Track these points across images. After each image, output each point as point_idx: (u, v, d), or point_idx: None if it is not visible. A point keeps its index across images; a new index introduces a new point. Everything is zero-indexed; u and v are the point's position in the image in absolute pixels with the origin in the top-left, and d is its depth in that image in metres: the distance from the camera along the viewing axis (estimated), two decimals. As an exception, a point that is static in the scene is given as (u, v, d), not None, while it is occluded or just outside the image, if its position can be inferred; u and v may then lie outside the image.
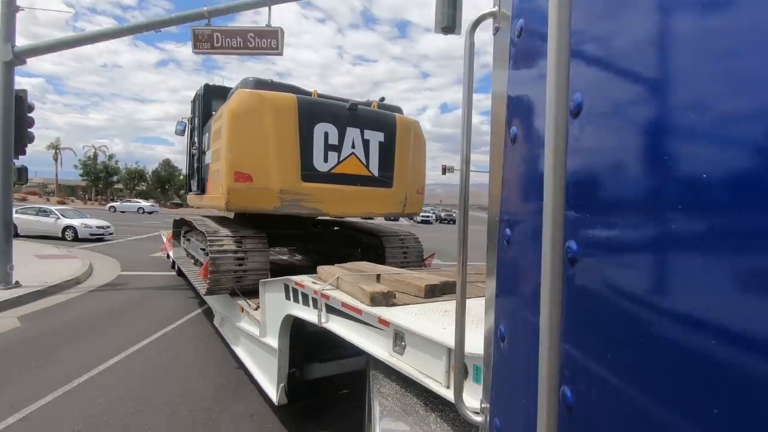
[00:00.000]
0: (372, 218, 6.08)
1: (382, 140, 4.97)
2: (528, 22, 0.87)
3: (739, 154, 0.43)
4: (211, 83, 6.71)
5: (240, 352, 4.28)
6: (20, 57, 7.26)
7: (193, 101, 6.94)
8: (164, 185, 67.87)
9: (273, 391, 3.33)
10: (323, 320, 2.71)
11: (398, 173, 5.25)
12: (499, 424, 0.98)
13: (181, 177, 71.86)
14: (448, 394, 1.78)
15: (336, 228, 6.80)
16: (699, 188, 0.46)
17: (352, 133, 4.78)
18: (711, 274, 0.44)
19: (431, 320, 2.17)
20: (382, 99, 5.53)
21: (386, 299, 2.48)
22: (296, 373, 3.40)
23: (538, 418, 0.67)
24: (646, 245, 0.54)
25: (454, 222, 39.85)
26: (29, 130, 7.78)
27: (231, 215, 6.26)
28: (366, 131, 4.93)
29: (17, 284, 7.42)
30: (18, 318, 6.09)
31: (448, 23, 8.18)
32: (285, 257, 7.58)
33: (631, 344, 0.55)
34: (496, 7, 1.04)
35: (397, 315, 2.26)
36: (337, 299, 2.62)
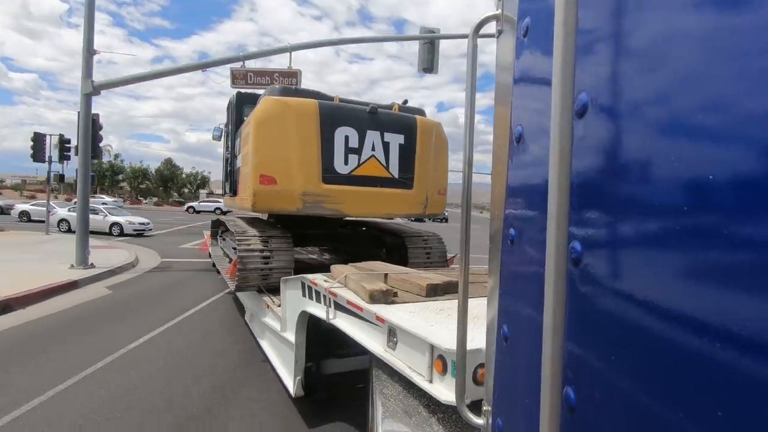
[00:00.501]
0: (392, 218, 6.48)
1: (403, 142, 5.08)
2: (534, 21, 0.87)
3: (746, 155, 0.42)
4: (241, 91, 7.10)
5: (265, 345, 4.62)
6: (97, 89, 9.40)
7: (227, 108, 7.31)
8: (167, 183, 69.80)
9: (290, 384, 3.52)
10: (331, 316, 2.86)
11: (419, 174, 5.33)
12: (501, 425, 0.97)
13: (183, 176, 74.02)
14: (430, 388, 1.88)
15: (363, 228, 7.00)
16: (705, 190, 0.45)
17: (372, 136, 4.90)
18: (717, 276, 0.44)
19: (424, 318, 2.27)
20: (405, 102, 5.73)
21: (385, 297, 2.59)
22: (312, 368, 3.54)
23: (540, 418, 0.67)
24: (651, 247, 0.53)
25: (446, 221, 41.82)
26: (99, 144, 9.92)
27: (265, 216, 6.72)
28: (386, 134, 5.05)
29: (92, 266, 9.56)
30: (106, 287, 8.27)
31: (428, 65, 10.44)
32: (315, 256, 7.95)
33: (634, 346, 0.54)
34: (499, 10, 1.04)
35: (393, 312, 2.36)
36: (343, 297, 2.74)
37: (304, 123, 4.61)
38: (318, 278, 3.24)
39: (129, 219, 18.07)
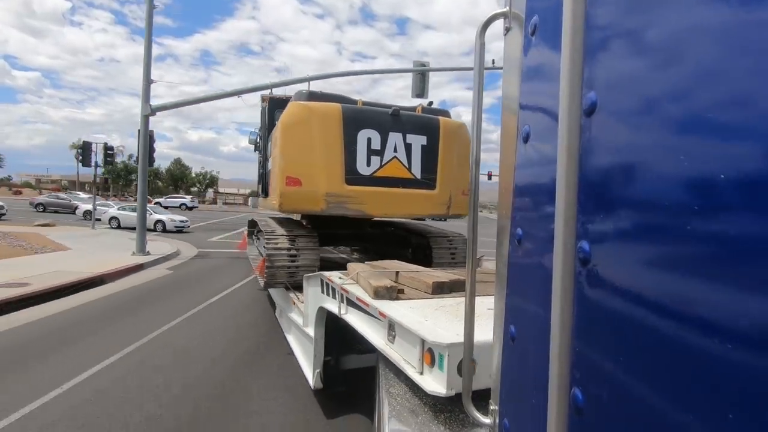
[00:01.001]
0: (422, 219, 6.63)
1: (425, 143, 5.13)
2: (542, 19, 0.86)
3: (762, 155, 0.41)
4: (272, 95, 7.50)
5: (290, 339, 4.84)
6: (153, 112, 11.69)
7: (261, 113, 7.59)
8: (177, 183, 72.43)
9: (310, 376, 3.66)
10: (343, 311, 2.96)
11: (442, 175, 5.34)
12: (508, 425, 0.97)
13: (193, 175, 76.68)
14: (419, 380, 1.99)
15: (391, 229, 7.11)
16: (716, 189, 0.45)
17: (394, 138, 4.98)
18: (727, 277, 0.43)
19: (421, 314, 2.38)
20: (430, 103, 5.87)
21: (389, 293, 2.69)
22: (331, 361, 3.63)
23: (547, 419, 0.66)
24: (660, 247, 0.52)
25: (444, 219, 43.72)
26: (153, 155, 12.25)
27: (297, 217, 6.90)
28: (408, 135, 5.11)
29: (148, 253, 11.86)
30: (166, 269, 10.57)
31: (420, 92, 12.71)
32: (344, 256, 8.33)
33: (643, 347, 0.53)
34: (507, 8, 1.03)
35: (394, 308, 2.47)
36: (353, 293, 2.84)
37: (327, 126, 4.75)
38: (334, 275, 3.44)
39: (171, 217, 20.51)
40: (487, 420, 1.08)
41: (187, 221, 21.04)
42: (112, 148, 17.26)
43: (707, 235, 0.46)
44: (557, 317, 0.65)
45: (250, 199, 79.41)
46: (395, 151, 4.98)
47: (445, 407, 1.92)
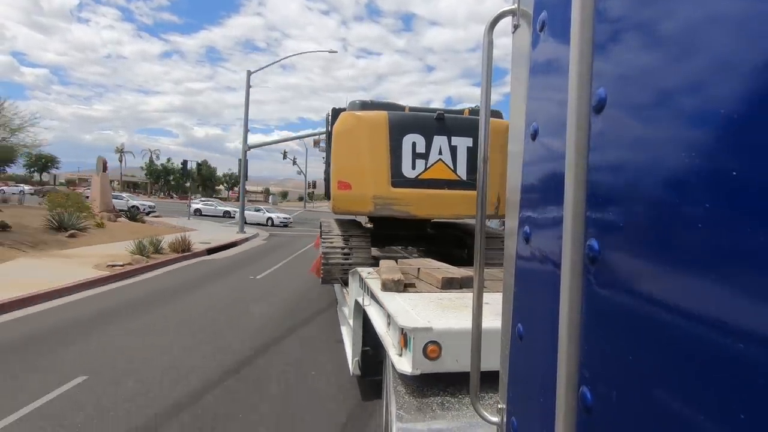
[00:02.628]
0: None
1: (471, 145, 5.20)
2: (551, 14, 0.86)
3: None
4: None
5: (342, 329, 5.21)
6: (250, 147, 19.55)
7: (326, 122, 7.92)
8: (205, 182, 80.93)
9: (350, 363, 3.95)
10: (366, 303, 3.25)
11: (488, 175, 5.75)
12: (516, 424, 0.97)
13: (220, 176, 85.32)
14: (396, 360, 2.18)
15: (450, 230, 7.20)
16: (729, 187, 0.44)
17: (439, 141, 5.16)
18: (740, 276, 0.42)
19: (413, 305, 2.59)
20: (477, 106, 5.88)
21: (397, 286, 2.95)
22: (369, 351, 3.81)
23: (556, 418, 0.67)
24: (671, 245, 0.52)
25: (501, 221, 49.93)
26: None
27: (365, 219, 7.10)
28: (453, 138, 5.23)
29: (245, 233, 19.78)
30: (261, 240, 18.55)
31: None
32: (409, 255, 8.53)
33: (654, 346, 0.53)
34: (515, 5, 1.03)
35: (396, 299, 2.70)
36: (370, 286, 3.16)
37: (374, 133, 5.06)
38: (365, 271, 3.85)
39: (278, 215, 27.86)
40: (495, 419, 1.08)
41: (289, 218, 27.97)
42: (186, 162, 25.50)
43: (719, 233, 0.45)
44: (565, 316, 0.66)
45: (270, 197, 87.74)
46: (440, 153, 5.15)
47: (453, 406, 2.01)
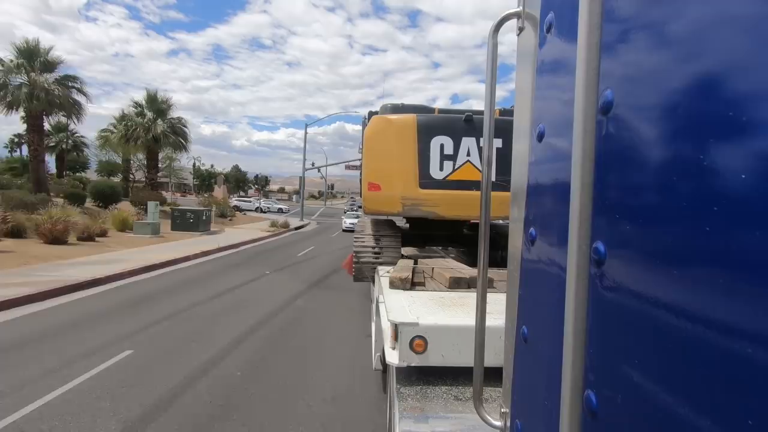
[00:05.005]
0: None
1: (500, 146, 4.99)
2: (558, 16, 0.85)
3: None
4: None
5: (372, 325, 5.33)
6: (307, 169, 32.79)
7: (362, 125, 8.10)
8: (239, 184, 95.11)
9: (373, 358, 4.10)
10: (381, 300, 3.29)
11: None
12: (520, 427, 0.97)
13: (251, 178, 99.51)
14: (388, 353, 2.27)
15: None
16: (737, 190, 0.43)
17: (468, 142, 5.16)
18: (747, 280, 0.42)
19: (418, 303, 2.68)
20: (512, 107, 9.94)
21: (403, 284, 3.07)
22: None
23: (560, 422, 0.67)
24: (678, 248, 0.51)
25: None
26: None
27: (403, 221, 7.13)
28: (482, 139, 4.55)
29: (304, 221, 33.12)
30: (315, 224, 31.90)
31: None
32: (447, 256, 8.41)
33: (660, 350, 0.53)
34: (520, 7, 1.03)
35: (395, 296, 2.83)
36: (382, 284, 3.33)
37: (403, 136, 5.16)
38: (383, 270, 4.05)
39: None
40: (498, 423, 1.07)
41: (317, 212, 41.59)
42: (244, 174, 38.73)
43: (727, 236, 0.44)
44: (571, 318, 0.65)
45: (294, 196, 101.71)
46: (468, 155, 5.15)
47: (455, 408, 2.04)
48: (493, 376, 1.51)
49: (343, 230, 26.49)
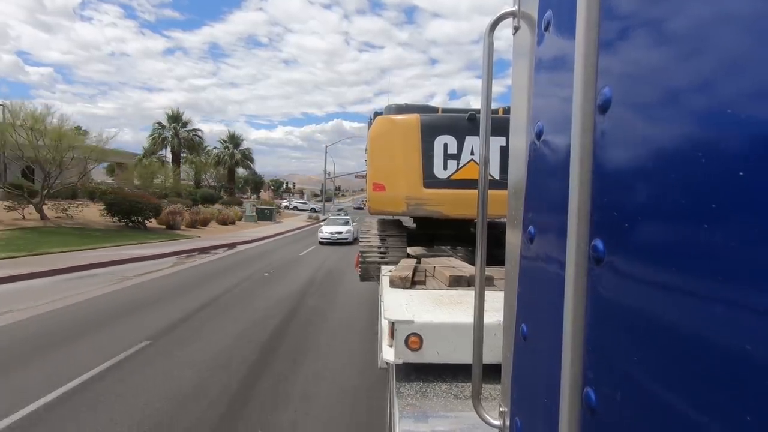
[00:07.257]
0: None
1: (504, 144, 4.93)
2: (556, 13, 0.86)
3: None
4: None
5: (378, 324, 5.23)
6: (325, 180, 46.59)
7: (368, 127, 7.84)
8: (257, 187, 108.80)
9: (378, 356, 4.04)
10: (381, 299, 3.35)
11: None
12: (520, 424, 0.97)
13: (268, 181, 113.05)
14: (385, 350, 2.28)
15: (491, 230, 4.88)
16: (736, 188, 0.44)
17: (471, 141, 5.13)
18: (747, 277, 0.42)
19: (416, 301, 2.71)
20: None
21: (403, 283, 3.09)
22: None
23: (560, 419, 0.67)
24: (677, 246, 0.51)
25: None
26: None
27: (410, 220, 7.13)
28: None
29: (324, 214, 46.99)
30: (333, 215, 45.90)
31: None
32: (453, 255, 8.33)
33: (659, 347, 0.53)
34: (516, 7, 1.03)
35: (394, 295, 2.85)
36: (383, 283, 3.36)
37: (407, 136, 5.15)
38: (386, 269, 4.07)
39: (318, 207, 54.84)
40: (497, 422, 1.08)
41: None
42: (281, 183, 52.87)
43: (726, 234, 0.44)
44: (570, 316, 0.66)
45: (305, 196, 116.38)
46: (472, 154, 5.12)
47: (455, 407, 2.03)
48: (491, 373, 1.57)
49: (320, 242, 21.54)
